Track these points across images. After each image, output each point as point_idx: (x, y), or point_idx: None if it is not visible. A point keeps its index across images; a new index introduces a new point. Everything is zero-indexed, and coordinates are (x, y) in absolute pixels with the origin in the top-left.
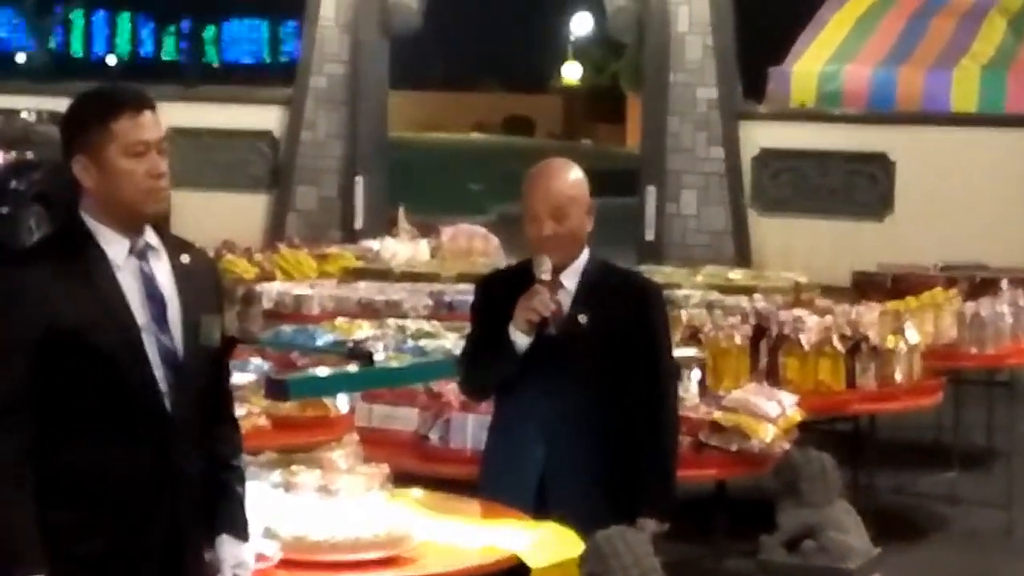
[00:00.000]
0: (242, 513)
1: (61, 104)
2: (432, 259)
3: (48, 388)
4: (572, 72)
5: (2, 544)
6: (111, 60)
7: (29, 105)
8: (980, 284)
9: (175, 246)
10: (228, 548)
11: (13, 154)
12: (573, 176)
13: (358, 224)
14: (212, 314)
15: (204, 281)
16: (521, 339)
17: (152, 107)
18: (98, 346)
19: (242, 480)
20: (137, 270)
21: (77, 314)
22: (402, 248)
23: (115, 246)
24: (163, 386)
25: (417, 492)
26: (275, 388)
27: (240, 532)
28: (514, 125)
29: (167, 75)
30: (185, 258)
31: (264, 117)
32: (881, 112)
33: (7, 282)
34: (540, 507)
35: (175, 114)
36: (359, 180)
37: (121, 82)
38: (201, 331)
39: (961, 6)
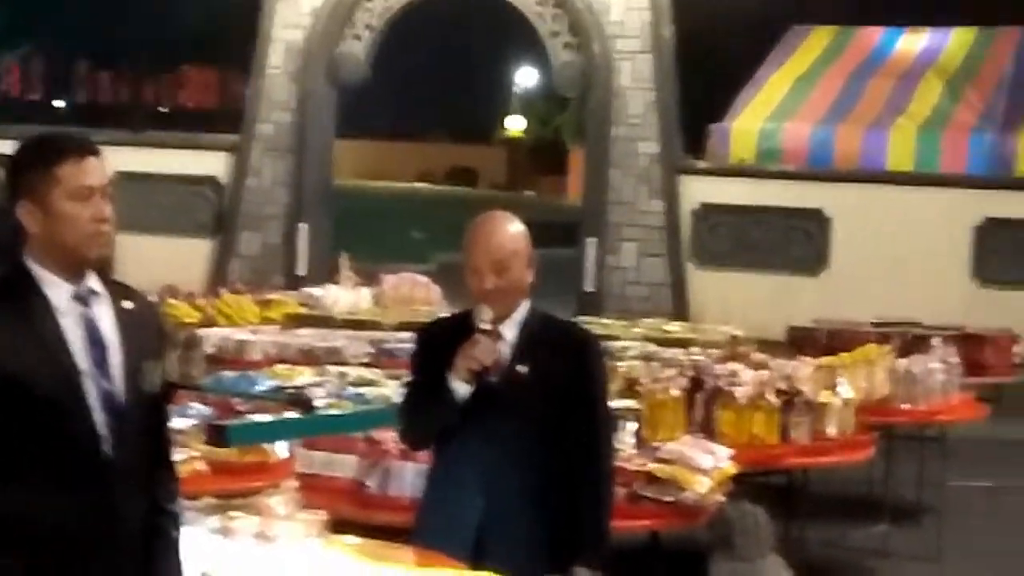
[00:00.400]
0: (176, 559)
1: (6, 147)
2: (374, 307)
3: None
4: (516, 124)
5: None
6: (58, 103)
7: None
8: (913, 341)
9: (118, 292)
10: None
11: None
12: (514, 229)
13: (301, 271)
14: (154, 359)
15: (146, 326)
16: (461, 388)
17: (96, 153)
18: (39, 391)
19: (177, 525)
20: (80, 316)
21: (18, 359)
22: (344, 295)
23: (58, 291)
24: (104, 431)
25: (353, 539)
26: (215, 433)
27: None
28: (458, 175)
29: (114, 119)
30: (128, 304)
31: (210, 163)
32: (818, 169)
33: None
34: (477, 556)
35: (121, 158)
36: (303, 227)
37: (66, 128)
38: (143, 377)
39: (898, 67)
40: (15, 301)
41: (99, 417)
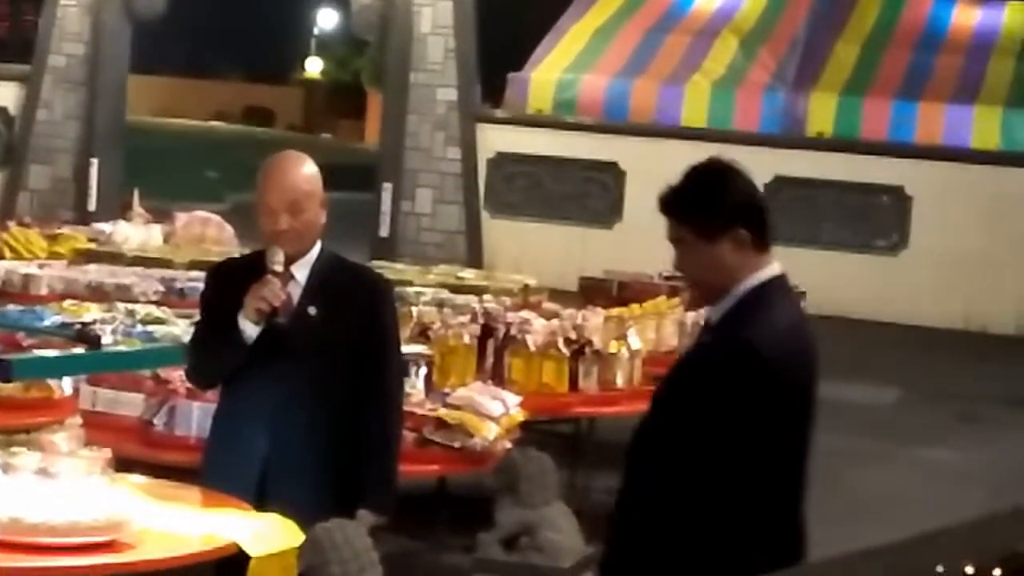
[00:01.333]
0: None
1: None
2: (165, 245)
3: None
4: (314, 66)
5: None
6: None
7: None
8: None
9: None
10: None
11: None
12: (308, 170)
13: (91, 206)
14: None
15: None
16: (250, 328)
17: None
18: None
19: None
20: None
21: None
22: (135, 232)
23: None
24: None
25: (139, 478)
26: None
27: None
28: (254, 115)
29: None
30: None
31: (0, 93)
32: (614, 122)
33: None
34: (261, 497)
35: None
36: (94, 162)
37: None
38: None
39: (695, 24)
40: None
41: None
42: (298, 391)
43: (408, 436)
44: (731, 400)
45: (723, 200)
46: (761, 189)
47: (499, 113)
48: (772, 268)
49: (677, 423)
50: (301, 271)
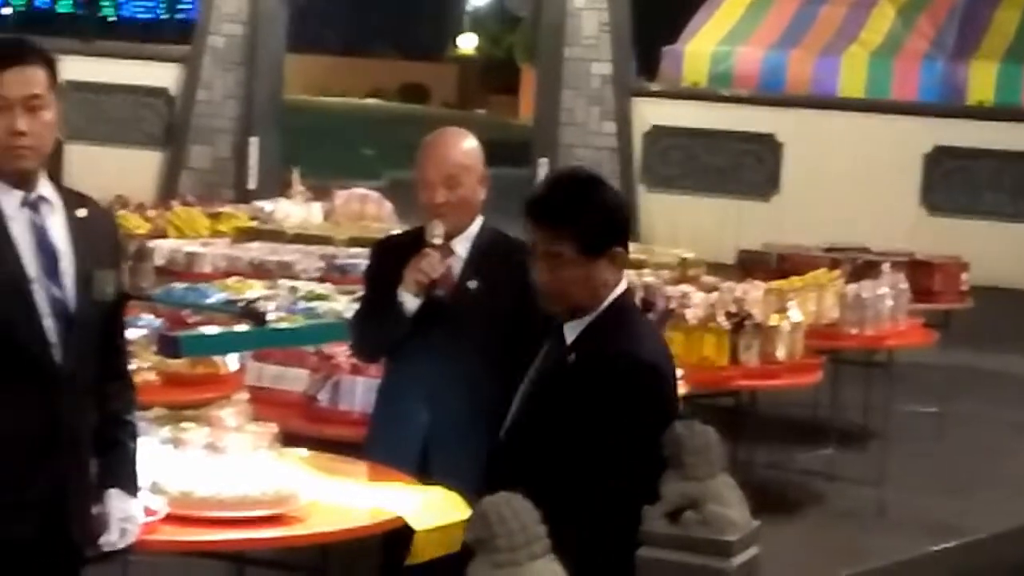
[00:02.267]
0: (132, 468)
1: None
2: (325, 222)
3: None
4: (468, 43)
5: None
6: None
7: None
8: (862, 266)
9: (72, 200)
10: (116, 502)
11: None
12: (467, 145)
13: (251, 185)
14: (107, 269)
15: (101, 235)
16: (410, 301)
17: (23, 63)
18: None
19: (134, 436)
20: (29, 222)
21: None
22: (295, 210)
23: (7, 198)
24: (52, 337)
25: (304, 452)
26: (167, 344)
27: (129, 487)
28: (410, 92)
29: (64, 28)
30: (82, 212)
31: (161, 74)
32: (771, 94)
33: None
34: (423, 470)
35: (71, 68)
36: (253, 141)
37: (8, 36)
38: (94, 285)
39: None
40: None
41: (49, 324)
42: (459, 364)
43: None
44: (622, 411)
45: (609, 217)
46: (920, 159)
47: (654, 87)
48: (624, 281)
49: (553, 441)
50: (462, 245)
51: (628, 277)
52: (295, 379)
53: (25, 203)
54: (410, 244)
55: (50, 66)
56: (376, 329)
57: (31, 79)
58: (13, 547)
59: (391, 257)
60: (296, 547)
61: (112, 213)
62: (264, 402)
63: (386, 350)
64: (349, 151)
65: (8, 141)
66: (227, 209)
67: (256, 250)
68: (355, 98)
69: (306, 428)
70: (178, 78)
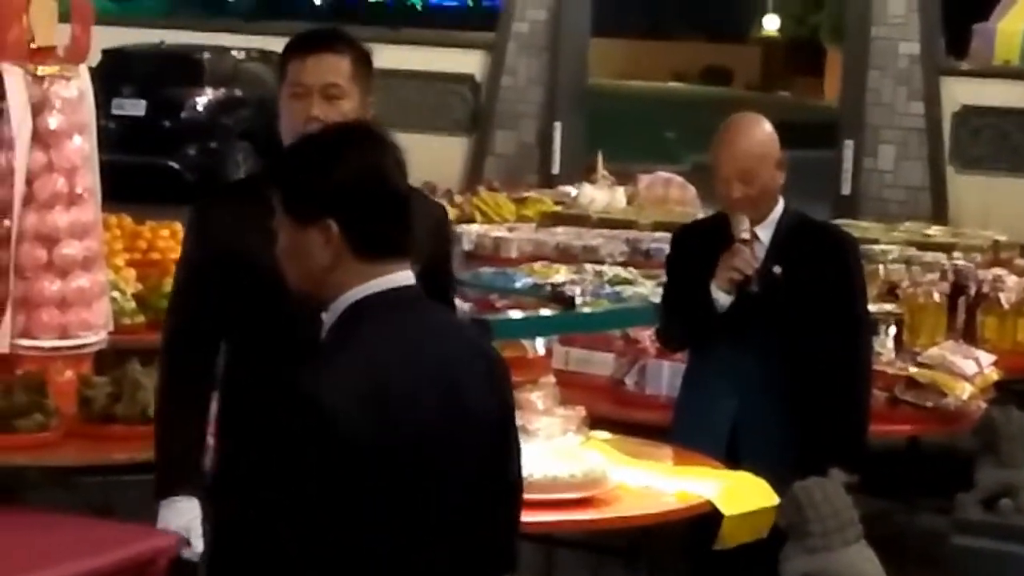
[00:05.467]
0: None
1: (268, 43)
2: (628, 206)
3: (224, 310)
4: (772, 23)
5: (159, 462)
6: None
7: (238, 43)
8: None
9: None
10: None
11: (222, 91)
12: (759, 135)
13: (555, 169)
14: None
15: (426, 224)
16: (723, 298)
17: (324, 51)
18: (261, 270)
19: None
20: None
21: (241, 240)
22: (599, 194)
23: None
24: None
25: (611, 436)
26: (479, 328)
27: None
28: (712, 75)
29: (374, 17)
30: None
31: (466, 61)
32: None
33: (199, 214)
34: (730, 456)
35: (379, 56)
36: (557, 126)
37: (325, 26)
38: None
39: None
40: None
41: None
42: (767, 351)
43: (879, 395)
44: None
45: (320, 176)
46: None
47: (964, 65)
48: (385, 281)
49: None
50: (765, 231)
51: (938, 259)
52: (601, 363)
53: None
54: (710, 233)
55: (359, 57)
56: (683, 321)
57: (332, 68)
58: None
59: (691, 245)
60: (605, 530)
61: (440, 203)
62: (570, 385)
63: (693, 341)
64: (652, 135)
65: (302, 127)
66: (532, 194)
67: (562, 235)
68: (657, 81)
69: (614, 412)
70: (483, 64)
